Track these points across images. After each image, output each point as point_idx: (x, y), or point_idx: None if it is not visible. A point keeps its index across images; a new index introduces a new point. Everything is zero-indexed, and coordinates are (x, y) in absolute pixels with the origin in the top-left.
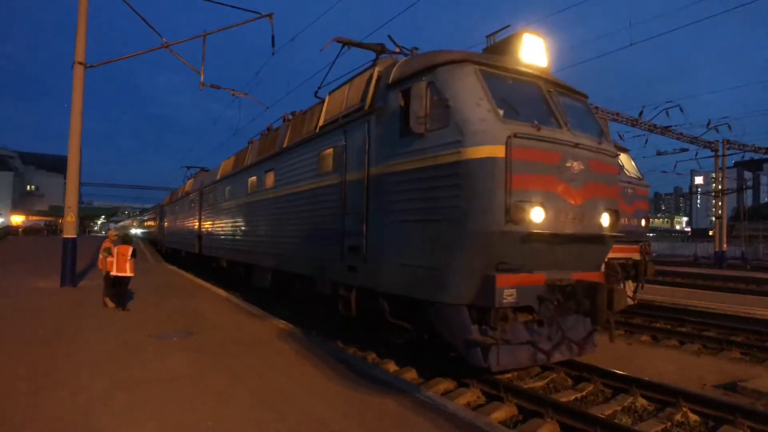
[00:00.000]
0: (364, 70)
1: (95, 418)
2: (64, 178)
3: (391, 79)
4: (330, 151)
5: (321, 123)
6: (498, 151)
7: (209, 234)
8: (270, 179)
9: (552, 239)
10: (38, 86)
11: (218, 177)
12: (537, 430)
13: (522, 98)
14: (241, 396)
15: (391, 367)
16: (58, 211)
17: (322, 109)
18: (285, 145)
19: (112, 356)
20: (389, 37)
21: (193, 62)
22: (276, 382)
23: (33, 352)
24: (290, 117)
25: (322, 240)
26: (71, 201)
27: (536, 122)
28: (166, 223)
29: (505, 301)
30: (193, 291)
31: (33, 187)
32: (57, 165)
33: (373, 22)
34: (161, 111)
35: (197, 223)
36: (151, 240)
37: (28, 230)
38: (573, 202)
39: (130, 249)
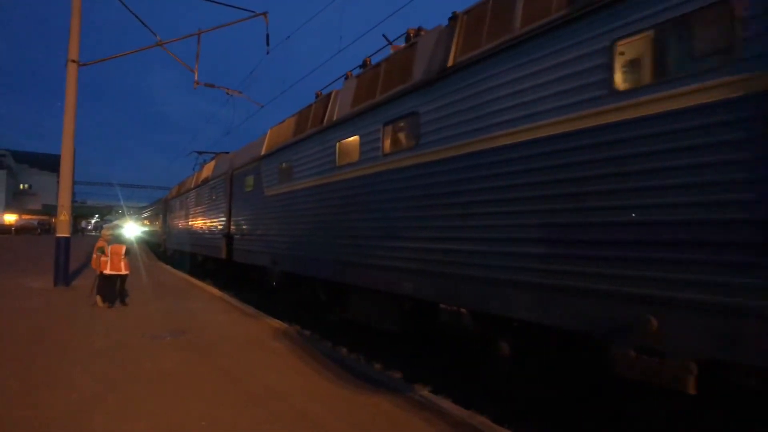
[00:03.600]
0: None
1: (88, 417)
2: (58, 176)
3: None
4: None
5: None
6: None
7: (247, 234)
8: (401, 136)
9: None
10: (31, 84)
11: (263, 152)
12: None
13: None
14: (234, 395)
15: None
16: (51, 210)
17: None
18: (456, 59)
19: (105, 355)
20: (384, 36)
21: (188, 60)
22: (270, 381)
23: (26, 352)
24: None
25: (663, 248)
26: (64, 199)
27: None
28: (173, 221)
29: None
30: (186, 290)
31: (26, 185)
32: (50, 163)
33: (369, 20)
34: (155, 109)
35: (224, 219)
36: (152, 242)
37: (20, 229)
38: None
39: (123, 247)
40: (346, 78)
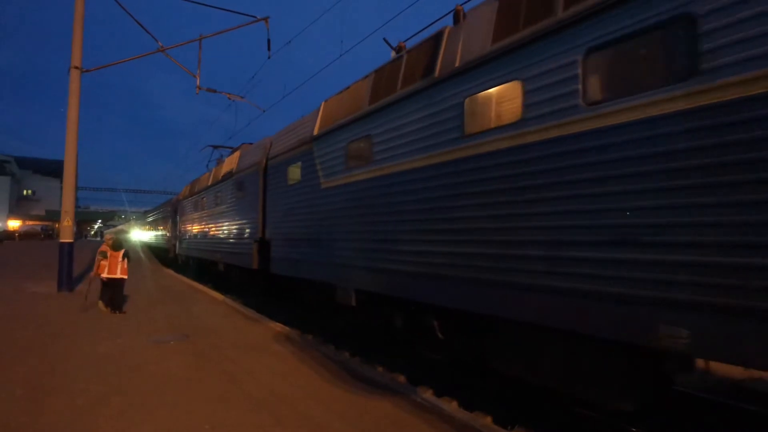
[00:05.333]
0: None
1: (92, 422)
2: (61, 182)
3: None
4: None
5: None
6: None
7: (292, 239)
8: (634, 67)
9: None
10: (34, 90)
11: (317, 131)
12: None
13: None
14: (238, 399)
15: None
16: (54, 216)
17: None
18: None
19: (109, 360)
20: (384, 40)
21: (189, 66)
22: (273, 385)
23: (30, 357)
24: None
25: None
26: (67, 205)
27: None
28: (185, 225)
29: None
30: (189, 294)
31: (29, 191)
32: (53, 169)
33: (370, 25)
34: (157, 114)
35: (256, 221)
36: (159, 247)
37: (24, 235)
38: None
39: (121, 252)
40: (456, 14)
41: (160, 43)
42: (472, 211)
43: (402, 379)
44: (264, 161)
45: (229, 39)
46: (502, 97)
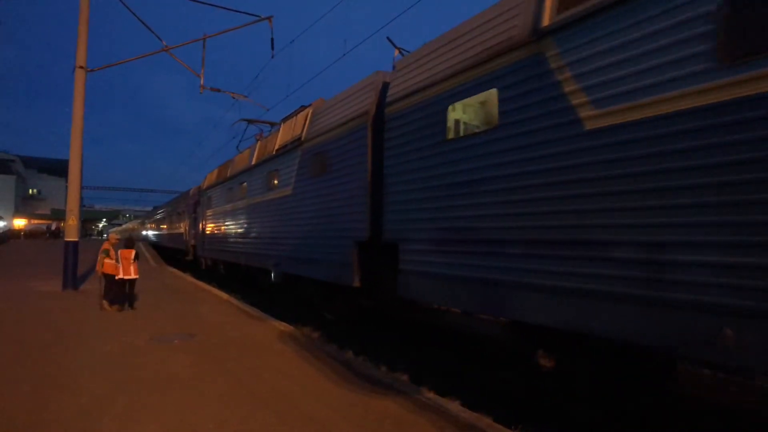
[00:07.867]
0: None
1: (97, 420)
2: (66, 181)
3: None
4: None
5: None
6: None
7: (480, 240)
8: None
9: None
10: (39, 90)
11: (549, 19)
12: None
13: None
14: (242, 398)
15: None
16: (59, 215)
17: None
18: None
19: (114, 359)
20: (388, 39)
21: (194, 65)
22: (277, 384)
23: (35, 355)
24: None
25: None
26: (72, 204)
27: None
28: (210, 219)
29: None
30: (194, 293)
31: (35, 190)
32: (58, 168)
33: (373, 24)
34: (161, 114)
35: (357, 208)
36: (169, 247)
37: (28, 234)
38: None
39: (133, 252)
40: None
41: (164, 43)
42: None
43: (405, 378)
44: (373, 109)
45: (233, 38)
46: None
